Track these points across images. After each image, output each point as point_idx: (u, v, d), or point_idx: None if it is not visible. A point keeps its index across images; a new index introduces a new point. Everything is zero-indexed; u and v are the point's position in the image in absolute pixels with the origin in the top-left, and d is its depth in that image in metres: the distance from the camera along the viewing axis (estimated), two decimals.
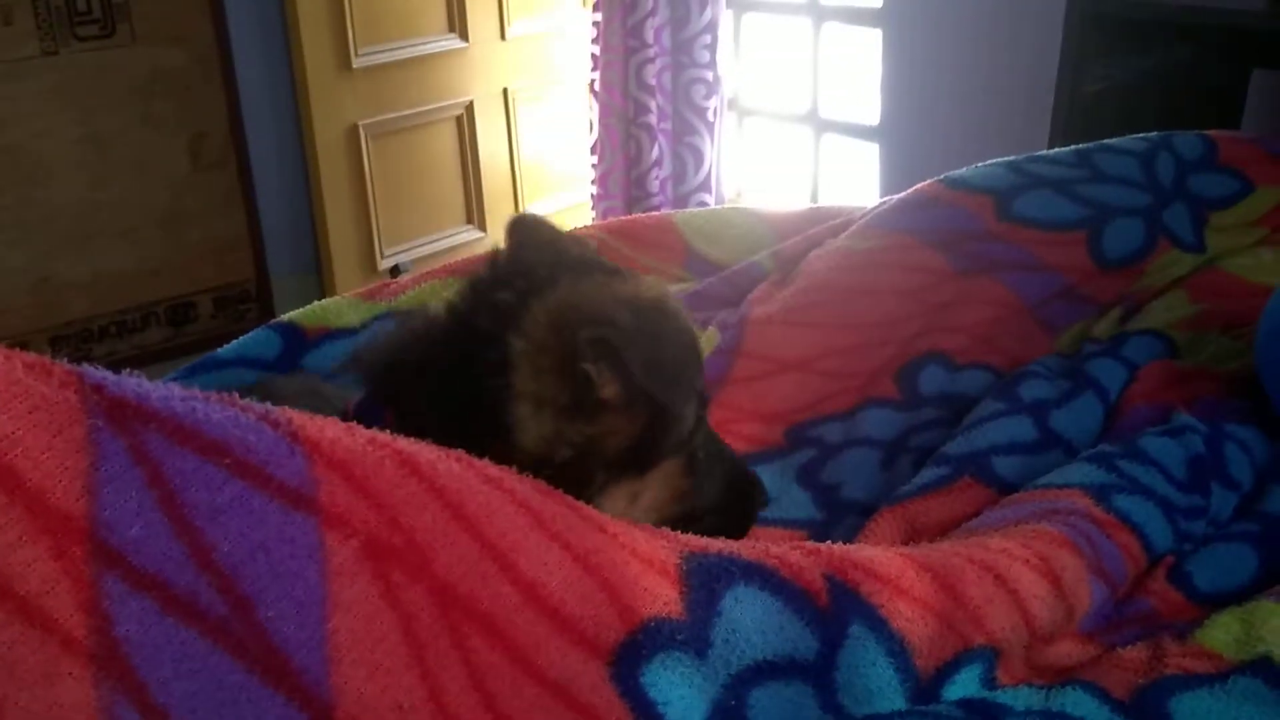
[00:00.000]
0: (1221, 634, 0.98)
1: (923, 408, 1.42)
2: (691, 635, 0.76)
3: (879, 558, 0.92)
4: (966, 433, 1.30)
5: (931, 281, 1.51)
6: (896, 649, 0.86)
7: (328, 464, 0.67)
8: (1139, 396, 1.34)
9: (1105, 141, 1.73)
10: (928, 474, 1.24)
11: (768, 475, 1.30)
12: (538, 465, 0.81)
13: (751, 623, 0.80)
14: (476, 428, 0.81)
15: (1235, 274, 1.58)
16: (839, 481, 1.30)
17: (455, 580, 0.68)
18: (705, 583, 0.79)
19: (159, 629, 0.60)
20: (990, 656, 0.92)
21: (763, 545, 0.87)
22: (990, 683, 0.92)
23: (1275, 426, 1.31)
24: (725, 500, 0.97)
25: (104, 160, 3.07)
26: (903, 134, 3.02)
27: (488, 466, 0.74)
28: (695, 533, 0.90)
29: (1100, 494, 1.13)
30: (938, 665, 0.88)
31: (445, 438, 0.78)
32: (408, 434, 0.76)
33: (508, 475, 0.74)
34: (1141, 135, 1.75)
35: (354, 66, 3.10)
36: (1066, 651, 1.00)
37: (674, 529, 0.88)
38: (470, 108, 3.40)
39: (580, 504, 0.77)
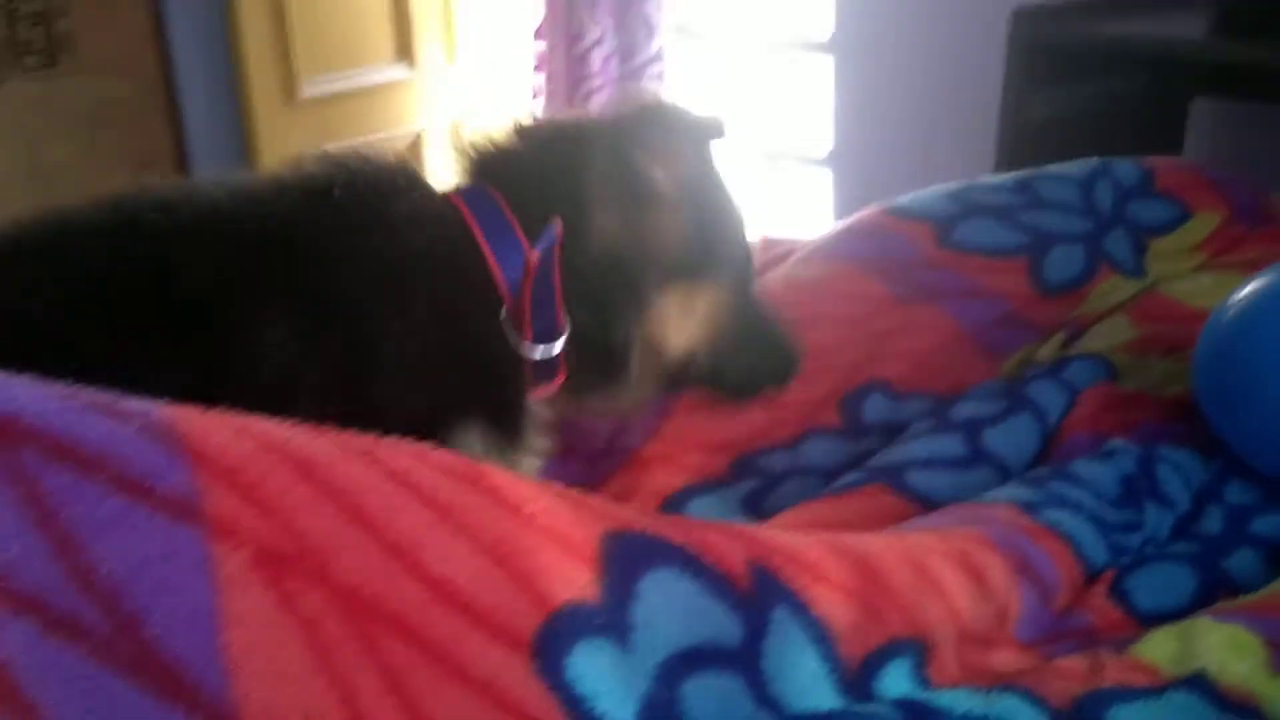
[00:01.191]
0: (1159, 649, 0.99)
1: (866, 436, 1.42)
2: (610, 619, 0.74)
3: (801, 543, 0.91)
4: (889, 449, 1.31)
5: (873, 310, 1.52)
6: (821, 635, 0.85)
7: (213, 473, 0.66)
8: (1079, 424, 1.35)
9: (1045, 169, 1.75)
10: (840, 481, 1.26)
11: (712, 506, 1.30)
12: (605, 261, 1.01)
13: (671, 607, 0.79)
14: (566, 222, 1.00)
15: (1176, 298, 1.59)
16: (781, 509, 1.30)
17: (358, 583, 0.67)
18: (624, 564, 0.78)
19: (43, 651, 0.59)
20: (919, 649, 0.92)
21: (690, 525, 0.86)
22: (923, 680, 0.91)
23: (1213, 449, 1.32)
24: (770, 343, 1.16)
25: (50, 191, 3.04)
26: (855, 161, 3.05)
27: (396, 459, 0.73)
28: (736, 374, 1.14)
29: (1029, 508, 1.14)
30: (864, 655, 0.88)
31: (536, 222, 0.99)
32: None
33: (416, 468, 0.73)
34: (1081, 162, 1.77)
35: (300, 97, 3.10)
36: (1006, 659, 1.00)
37: (723, 355, 1.11)
38: (419, 138, 3.40)
39: (501, 485, 0.76)
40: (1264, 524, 1.22)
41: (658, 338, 1.08)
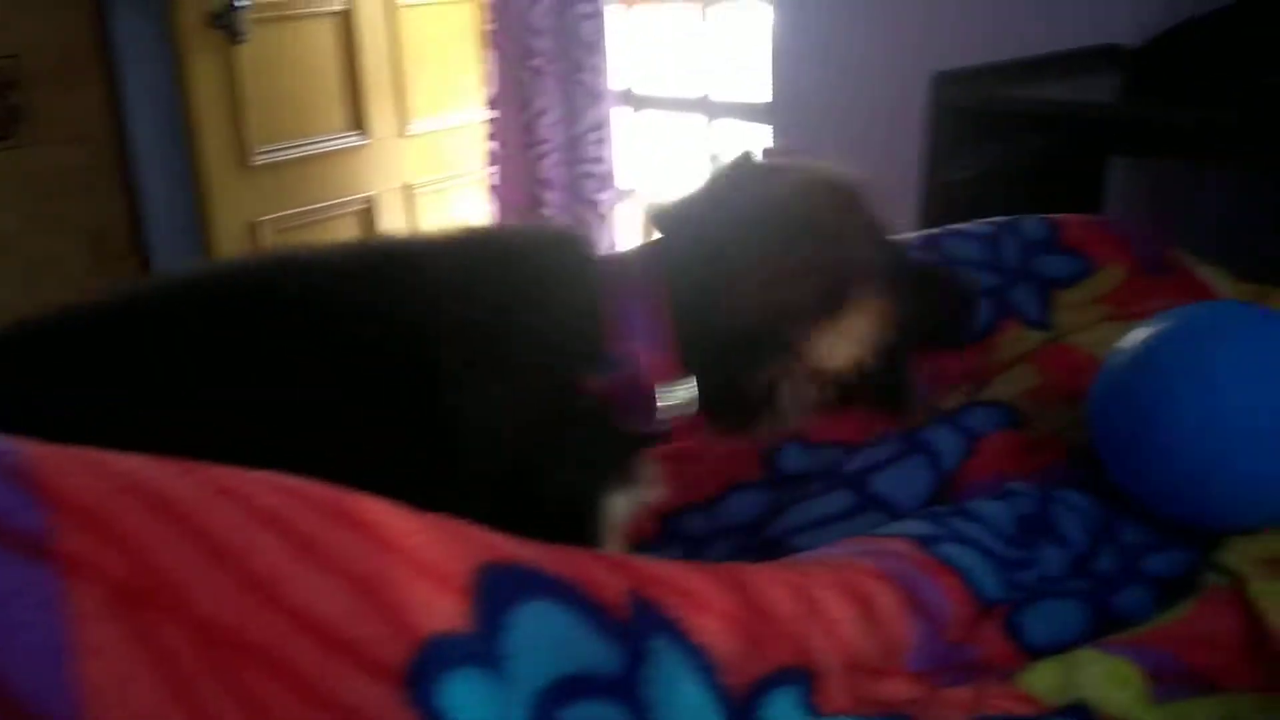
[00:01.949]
0: (1042, 679, 1.03)
1: (785, 486, 1.47)
2: (480, 649, 0.76)
3: (683, 573, 0.94)
4: (779, 519, 1.36)
5: None
6: (703, 664, 0.88)
7: (70, 511, 0.68)
8: (980, 469, 1.40)
9: (953, 226, 1.82)
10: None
11: None
12: (758, 327, 1.08)
13: (547, 637, 0.81)
14: (713, 287, 1.09)
15: (1080, 348, 1.65)
16: None
17: (217, 615, 0.69)
18: (496, 596, 0.79)
19: None
20: (805, 679, 0.95)
21: (572, 556, 0.89)
22: (810, 709, 0.94)
23: (1110, 492, 1.38)
24: (942, 309, 1.21)
25: (4, 261, 3.08)
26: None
27: (262, 497, 0.75)
28: (914, 344, 1.18)
29: (925, 542, 1.18)
30: (749, 684, 0.91)
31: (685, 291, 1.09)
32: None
33: (284, 503, 0.75)
34: (988, 220, 1.84)
35: (253, 164, 3.15)
36: (895, 688, 1.04)
37: (896, 345, 1.16)
38: (372, 202, 3.46)
39: (376, 520, 0.78)
40: (1155, 563, 1.28)
41: (812, 369, 1.13)
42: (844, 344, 1.13)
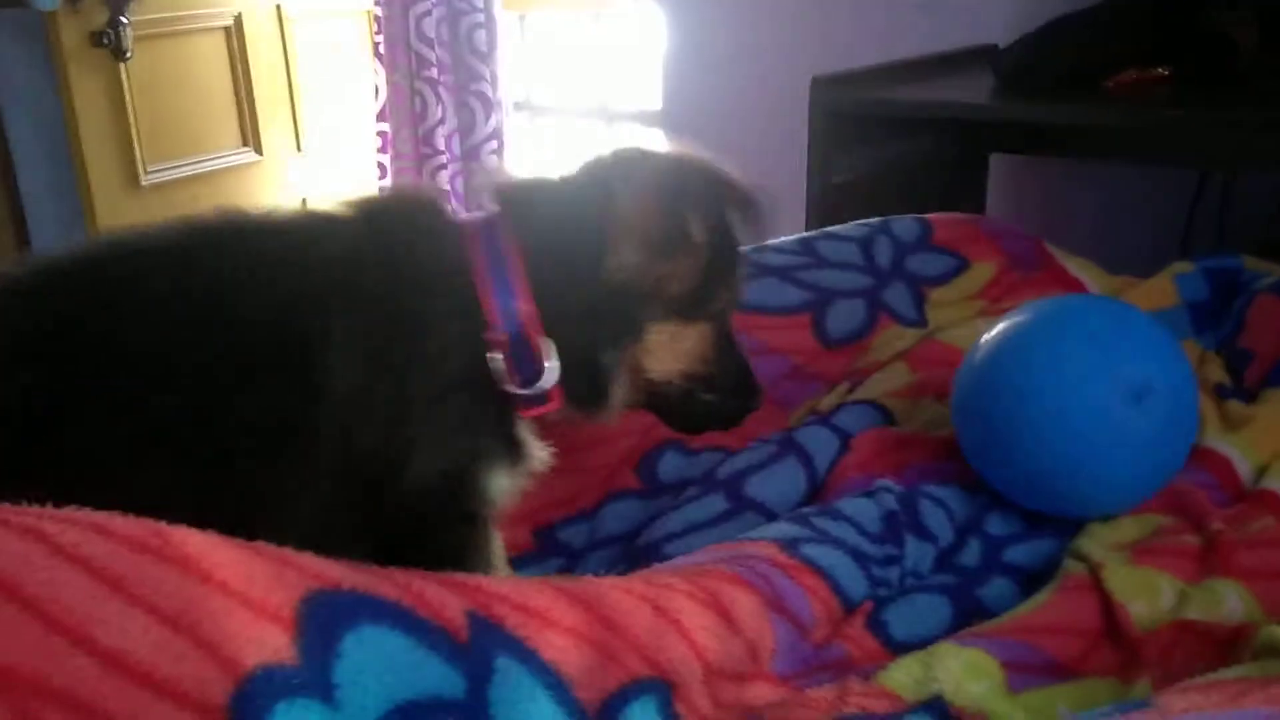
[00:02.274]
0: (902, 675, 1.04)
1: (662, 495, 1.47)
2: (310, 679, 0.75)
3: (527, 590, 0.94)
4: (653, 526, 1.37)
5: None
6: (552, 681, 0.87)
7: None
8: (853, 468, 1.42)
9: (827, 229, 1.86)
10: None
11: None
12: (616, 290, 1.06)
13: (381, 662, 0.79)
14: (578, 252, 1.07)
15: (952, 344, 1.68)
16: None
17: (15, 663, 0.67)
18: (323, 625, 0.78)
19: None
20: (663, 689, 0.95)
21: (407, 580, 0.87)
22: (671, 718, 0.95)
23: (977, 485, 1.41)
24: (734, 384, 1.19)
25: None
26: None
27: (64, 534, 0.74)
28: (700, 408, 1.18)
29: (789, 545, 1.20)
30: (603, 698, 0.91)
31: (545, 253, 1.06)
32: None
33: (88, 540, 0.74)
34: (862, 222, 1.88)
35: (143, 183, 3.11)
36: (760, 693, 1.05)
37: (690, 393, 1.15)
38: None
39: (191, 553, 0.76)
40: (1017, 553, 1.31)
41: (641, 363, 1.13)
42: (673, 355, 1.14)
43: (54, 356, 0.94)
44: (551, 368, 1.08)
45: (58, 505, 0.78)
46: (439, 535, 1.05)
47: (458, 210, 1.14)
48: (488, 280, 1.06)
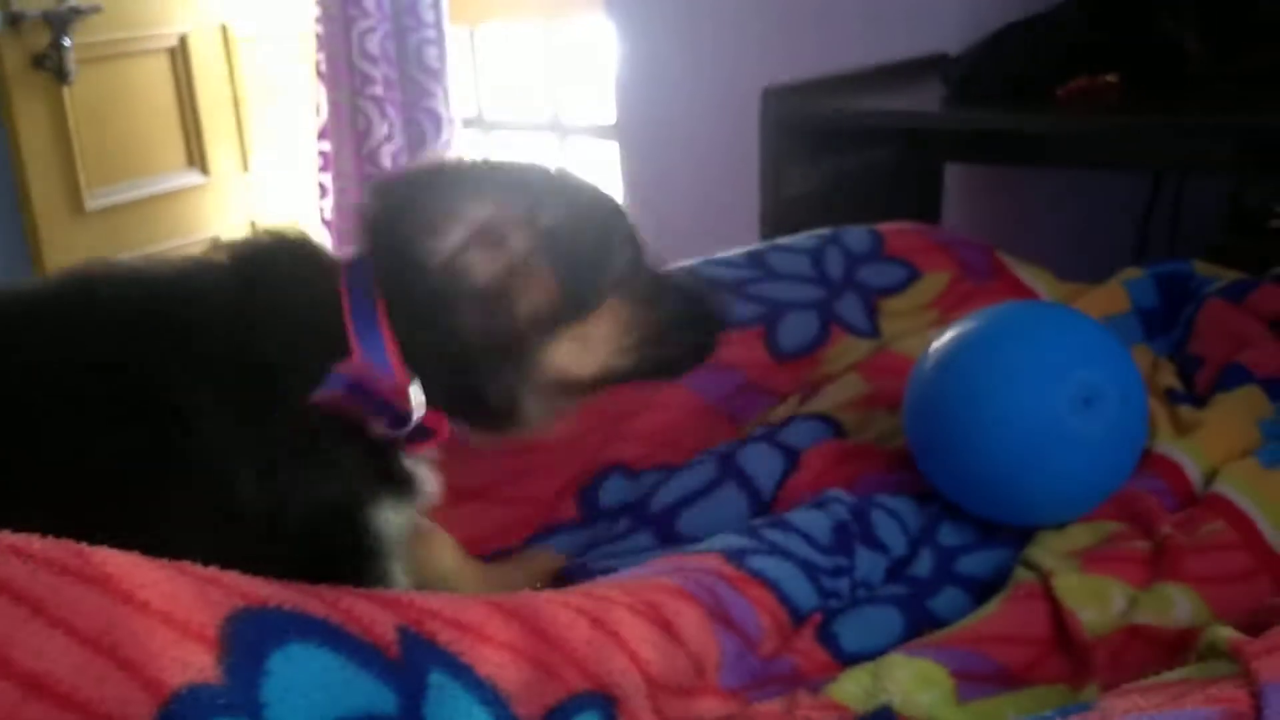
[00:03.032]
0: (851, 686, 1.03)
1: (599, 521, 1.44)
2: (237, 699, 0.74)
3: (460, 606, 0.92)
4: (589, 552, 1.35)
5: (614, 393, 1.55)
6: (489, 697, 0.86)
7: None
8: (804, 486, 1.41)
9: (778, 241, 1.84)
10: None
11: None
12: (490, 340, 1.03)
13: (310, 680, 0.78)
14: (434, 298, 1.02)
15: (905, 354, 1.66)
16: None
17: None
18: (249, 643, 0.77)
19: None
20: (604, 704, 0.94)
21: (335, 597, 0.86)
22: None
23: (930, 495, 1.40)
24: (687, 317, 1.16)
25: None
26: (644, 233, 3.13)
27: None
28: (661, 356, 1.14)
29: (734, 556, 1.18)
30: (543, 713, 0.89)
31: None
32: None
33: (5, 563, 0.73)
34: (812, 233, 1.87)
35: (87, 208, 3.07)
36: (708, 706, 1.03)
37: (640, 354, 1.11)
38: (214, 244, 3.39)
39: (113, 572, 0.75)
40: (969, 563, 1.30)
41: (558, 377, 1.09)
42: (588, 350, 1.10)
43: None
44: (418, 404, 1.03)
45: None
46: (334, 574, 1.01)
47: (332, 251, 1.11)
48: (355, 329, 1.02)
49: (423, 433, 1.06)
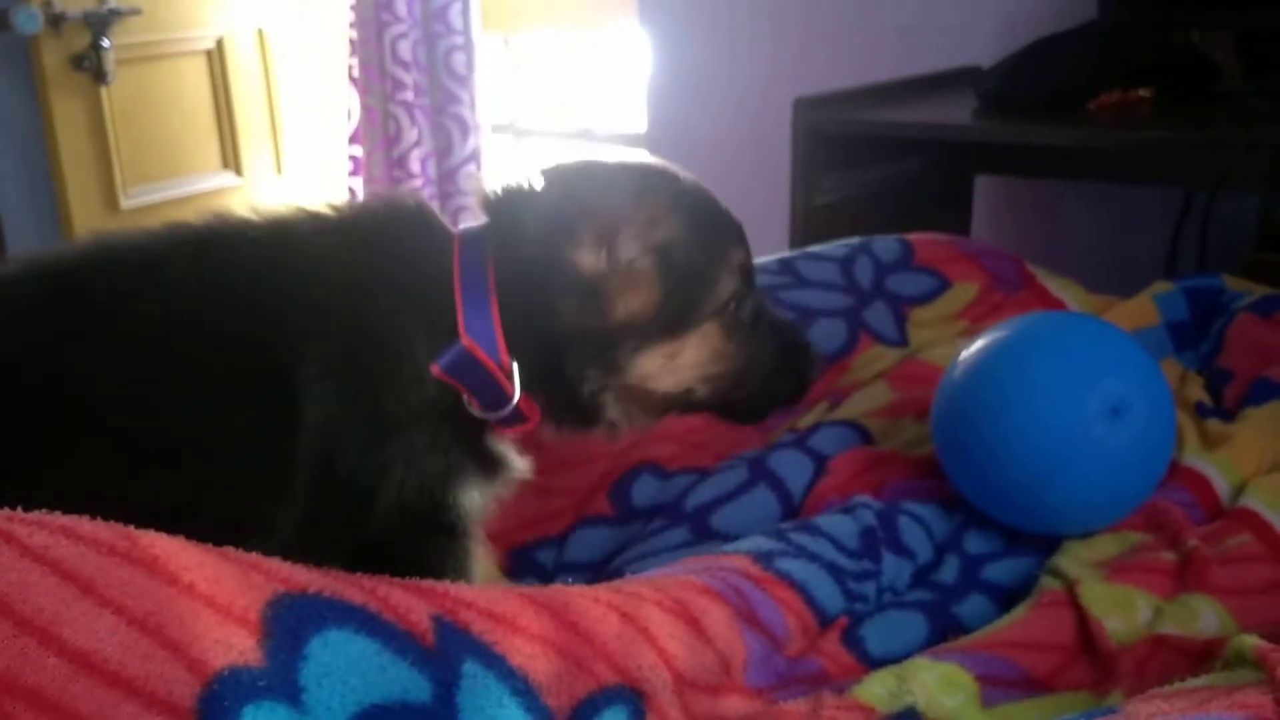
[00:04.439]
0: (876, 688, 1.03)
1: (633, 521, 1.45)
2: (276, 681, 0.76)
3: (495, 597, 0.93)
4: (622, 553, 1.36)
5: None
6: (521, 686, 0.87)
7: None
8: (831, 490, 1.41)
9: (808, 249, 1.85)
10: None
11: None
12: (584, 333, 1.04)
13: (347, 666, 0.80)
14: (543, 281, 1.04)
15: (934, 364, 1.67)
16: None
17: None
18: (289, 628, 0.79)
19: None
20: (633, 699, 0.95)
21: (373, 585, 0.87)
22: None
23: (956, 502, 1.40)
24: (780, 362, 1.14)
25: None
26: None
27: (33, 536, 0.75)
28: (749, 396, 1.14)
29: (762, 558, 1.19)
30: (572, 705, 0.90)
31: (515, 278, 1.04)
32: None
33: (56, 543, 0.75)
34: (843, 242, 1.88)
35: (122, 207, 3.11)
36: (734, 704, 1.04)
37: (724, 387, 1.11)
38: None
39: (160, 554, 0.77)
40: (995, 570, 1.30)
41: (640, 387, 1.09)
42: (674, 368, 1.10)
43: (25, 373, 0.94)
44: (517, 386, 1.05)
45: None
46: (416, 547, 1.04)
47: (448, 222, 1.12)
48: (464, 301, 1.04)
49: (516, 417, 1.08)
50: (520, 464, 1.12)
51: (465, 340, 1.03)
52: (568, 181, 1.05)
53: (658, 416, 1.16)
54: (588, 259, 1.03)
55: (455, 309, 1.04)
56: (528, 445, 1.25)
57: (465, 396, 1.04)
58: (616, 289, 1.04)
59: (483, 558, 1.23)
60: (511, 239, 1.06)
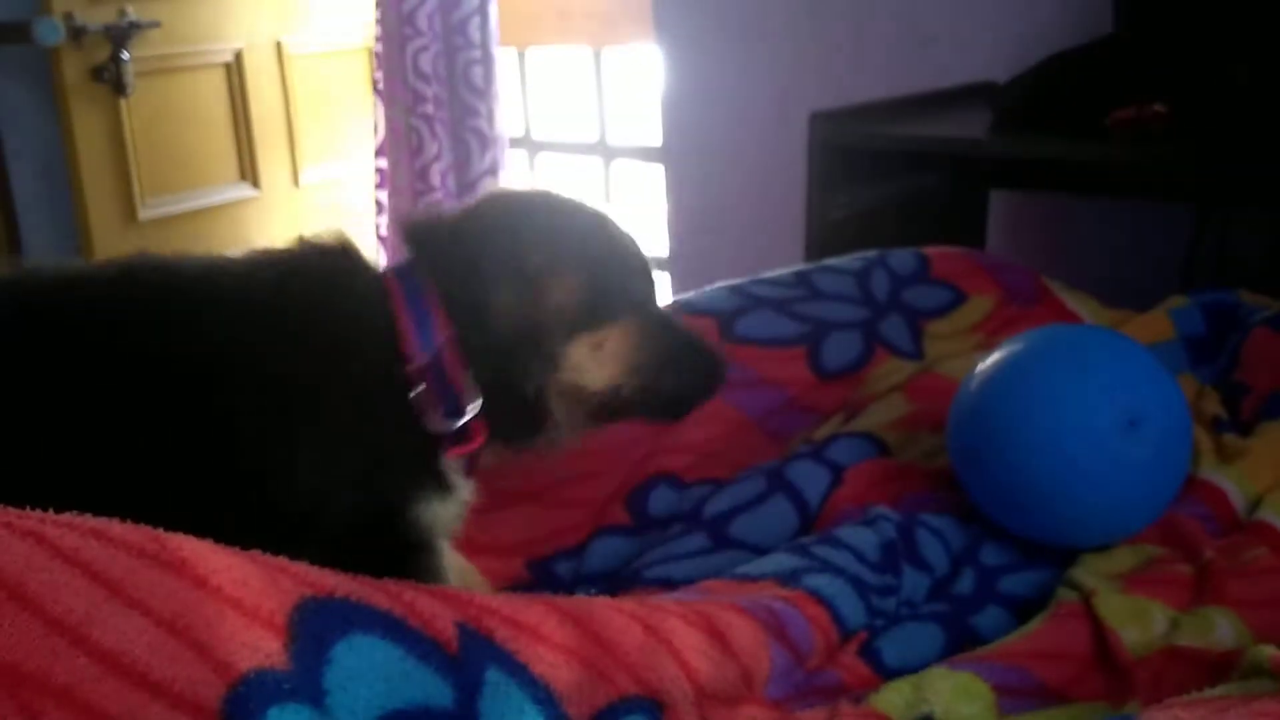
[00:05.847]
0: (893, 697, 1.04)
1: (651, 529, 1.46)
2: (300, 684, 0.76)
3: (518, 605, 0.94)
4: (639, 558, 1.36)
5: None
6: (542, 695, 0.88)
7: None
8: (846, 500, 1.42)
9: (824, 262, 1.86)
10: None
11: None
12: (507, 333, 1.11)
13: (371, 671, 0.81)
14: (478, 292, 1.12)
15: (949, 376, 1.67)
16: None
17: (19, 660, 0.69)
18: (315, 632, 0.80)
19: None
20: (651, 709, 0.96)
21: (399, 591, 0.89)
22: None
23: (972, 515, 1.41)
24: (693, 359, 1.24)
25: None
26: (690, 255, 3.17)
27: (64, 538, 0.75)
28: (670, 390, 1.22)
29: (790, 577, 1.20)
30: (592, 714, 0.91)
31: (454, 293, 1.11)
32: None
33: (86, 545, 0.76)
34: (859, 255, 1.88)
35: (141, 218, 3.13)
36: (751, 715, 1.04)
37: (647, 381, 1.19)
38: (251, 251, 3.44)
39: (189, 557, 0.78)
40: (1011, 582, 1.31)
41: (574, 383, 1.16)
42: (601, 361, 1.17)
43: None
44: (473, 399, 1.11)
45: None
46: (386, 563, 1.05)
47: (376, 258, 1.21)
48: (407, 315, 1.11)
49: (464, 433, 1.12)
50: (467, 488, 1.17)
51: (419, 353, 1.10)
52: (494, 207, 1.20)
53: (593, 420, 1.22)
54: (522, 261, 1.13)
55: (395, 324, 1.11)
56: (536, 460, 1.29)
57: (426, 408, 1.10)
58: (545, 284, 1.13)
59: (461, 570, 1.25)
60: (448, 259, 1.14)
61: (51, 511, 0.79)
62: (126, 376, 1.01)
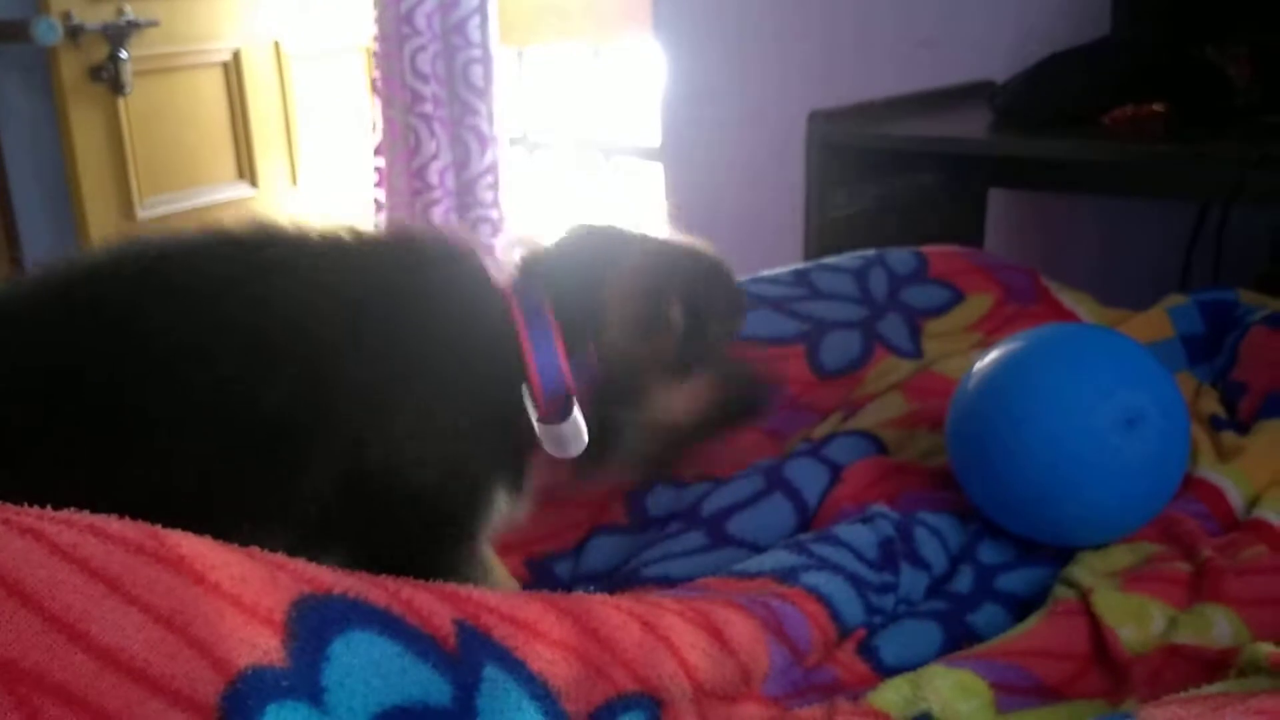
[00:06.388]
0: (891, 694, 1.04)
1: (650, 528, 1.46)
2: (299, 681, 0.76)
3: (516, 602, 0.94)
4: (637, 557, 1.36)
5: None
6: (540, 691, 0.88)
7: None
8: (845, 499, 1.42)
9: (823, 261, 1.86)
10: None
11: None
12: (615, 363, 1.15)
13: (369, 667, 0.81)
14: (586, 325, 1.15)
15: (948, 375, 1.68)
16: None
17: (17, 656, 0.69)
18: (313, 629, 0.80)
19: None
20: (650, 706, 0.96)
21: (396, 587, 0.89)
22: None
23: (970, 513, 1.41)
24: (750, 401, 1.28)
25: None
26: None
27: (62, 534, 0.75)
28: (724, 420, 1.25)
29: (788, 574, 1.20)
30: (590, 711, 0.91)
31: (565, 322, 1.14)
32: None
33: (84, 541, 0.76)
34: (858, 254, 1.88)
35: (139, 217, 3.13)
36: (750, 714, 1.04)
37: (713, 421, 1.23)
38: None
39: (187, 554, 0.78)
40: (1009, 580, 1.31)
41: (651, 420, 1.19)
42: (681, 404, 1.20)
43: (71, 341, 0.98)
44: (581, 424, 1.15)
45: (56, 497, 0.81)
46: (434, 547, 1.07)
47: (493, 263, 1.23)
48: (530, 336, 1.14)
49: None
50: (532, 487, 1.19)
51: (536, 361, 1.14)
52: (608, 240, 1.23)
53: (658, 452, 1.24)
54: (636, 305, 1.16)
55: (517, 341, 1.13)
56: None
57: (533, 405, 1.13)
58: (652, 330, 1.16)
59: (500, 568, 1.25)
60: (562, 284, 1.17)
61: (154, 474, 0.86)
62: (262, 340, 1.01)
